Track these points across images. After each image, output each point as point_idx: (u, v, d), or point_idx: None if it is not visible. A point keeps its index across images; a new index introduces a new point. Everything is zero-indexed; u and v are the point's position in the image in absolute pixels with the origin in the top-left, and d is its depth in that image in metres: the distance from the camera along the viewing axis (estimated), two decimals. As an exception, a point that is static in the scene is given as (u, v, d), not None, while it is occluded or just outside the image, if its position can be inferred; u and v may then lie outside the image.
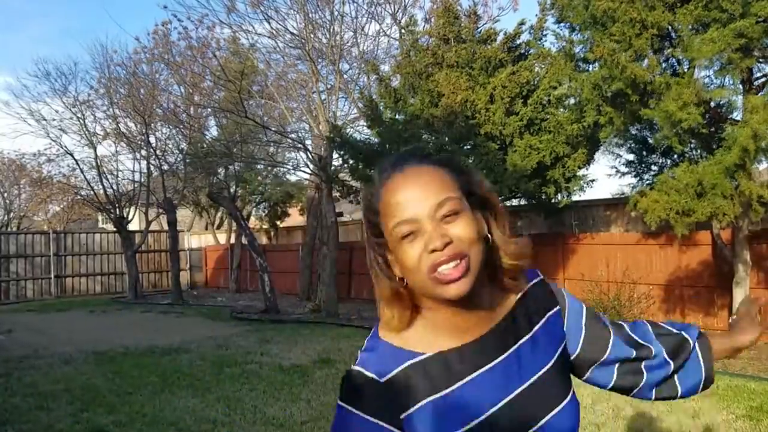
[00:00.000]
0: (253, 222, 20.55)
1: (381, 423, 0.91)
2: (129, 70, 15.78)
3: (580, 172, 9.07)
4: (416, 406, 0.92)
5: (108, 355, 7.76)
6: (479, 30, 9.83)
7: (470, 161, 8.59)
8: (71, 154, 17.45)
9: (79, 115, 16.62)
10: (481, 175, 1.00)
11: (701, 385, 1.10)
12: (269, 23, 11.98)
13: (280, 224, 19.67)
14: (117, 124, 16.76)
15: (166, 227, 17.68)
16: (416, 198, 0.89)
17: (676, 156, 7.93)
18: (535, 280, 1.05)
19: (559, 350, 1.02)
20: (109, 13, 38.71)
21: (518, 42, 9.55)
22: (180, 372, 6.63)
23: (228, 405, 5.21)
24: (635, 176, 8.97)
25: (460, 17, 9.77)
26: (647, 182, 8.61)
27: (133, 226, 18.57)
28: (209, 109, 15.98)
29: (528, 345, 0.99)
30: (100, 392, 5.79)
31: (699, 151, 7.58)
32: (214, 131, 17.32)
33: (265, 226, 20.08)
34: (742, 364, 6.37)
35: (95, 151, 16.78)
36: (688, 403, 4.94)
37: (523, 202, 10.50)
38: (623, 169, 9.16)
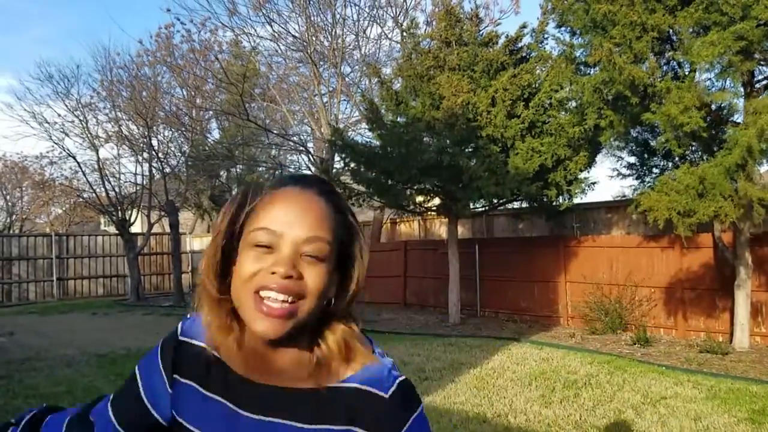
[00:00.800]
0: (254, 224, 20.54)
1: (161, 366, 0.96)
2: (131, 72, 15.84)
3: (582, 175, 9.07)
4: (187, 380, 0.93)
5: (110, 358, 7.77)
6: (481, 33, 9.85)
7: (472, 164, 8.60)
8: (74, 157, 17.50)
9: (81, 117, 16.67)
10: (365, 243, 0.92)
11: None
12: (271, 26, 12.03)
13: (282, 227, 19.66)
14: (119, 127, 16.80)
15: (168, 230, 17.70)
16: (293, 220, 0.83)
17: (677, 158, 7.94)
18: (390, 390, 0.87)
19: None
20: (111, 17, 38.86)
21: (520, 45, 9.56)
22: (181, 374, 6.63)
23: (229, 407, 5.21)
24: (637, 179, 8.97)
25: (461, 20, 9.79)
26: (648, 185, 8.62)
27: (135, 228, 18.59)
28: (211, 112, 16.04)
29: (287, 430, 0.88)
30: (102, 394, 5.79)
31: (700, 153, 7.58)
32: (216, 134, 17.39)
33: (266, 229, 20.09)
34: (744, 367, 6.36)
35: (97, 153, 16.83)
36: (689, 405, 4.94)
37: (524, 204, 10.51)
38: (624, 171, 9.17)
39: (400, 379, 0.89)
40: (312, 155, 12.71)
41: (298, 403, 0.88)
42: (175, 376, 0.95)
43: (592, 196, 9.96)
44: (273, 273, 0.81)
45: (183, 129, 15.58)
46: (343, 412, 0.86)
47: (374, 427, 0.85)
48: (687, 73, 6.55)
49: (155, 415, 0.98)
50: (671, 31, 6.67)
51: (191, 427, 0.92)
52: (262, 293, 0.81)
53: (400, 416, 0.86)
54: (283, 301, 0.81)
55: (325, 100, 12.17)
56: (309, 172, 0.86)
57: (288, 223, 0.83)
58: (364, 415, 0.86)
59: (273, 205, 0.85)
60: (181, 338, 0.97)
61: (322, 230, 0.84)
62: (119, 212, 16.80)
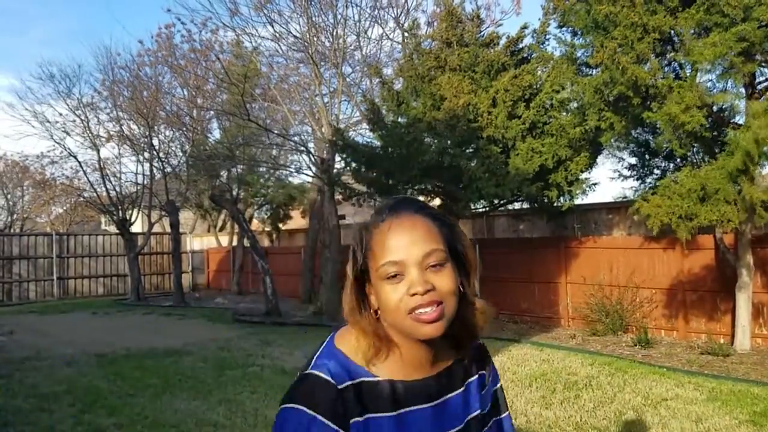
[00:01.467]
0: (255, 224, 20.57)
1: (334, 426, 0.95)
2: (132, 72, 15.84)
3: (583, 176, 9.06)
4: (363, 417, 0.98)
5: (110, 357, 7.77)
6: (482, 34, 9.84)
7: (472, 165, 8.59)
8: (75, 156, 17.52)
9: (82, 117, 16.68)
10: (464, 233, 1.07)
11: None
12: (272, 26, 12.02)
13: (282, 227, 19.67)
14: (120, 127, 16.82)
15: (168, 229, 17.70)
16: (407, 244, 0.96)
17: (678, 159, 7.93)
18: (474, 343, 1.15)
19: (486, 401, 1.14)
20: (114, 16, 38.88)
21: (521, 46, 9.55)
22: (181, 374, 6.63)
23: (229, 407, 5.21)
24: (638, 179, 8.96)
25: (462, 21, 9.78)
26: (650, 185, 8.61)
27: (135, 228, 18.60)
28: (212, 112, 16.03)
29: (459, 397, 1.09)
30: (102, 394, 5.79)
31: (701, 154, 7.57)
32: (216, 134, 17.38)
33: (267, 229, 20.09)
34: (745, 369, 6.35)
35: (98, 153, 16.85)
36: (690, 407, 4.93)
37: (525, 205, 10.49)
38: (626, 172, 9.16)
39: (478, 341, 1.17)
40: (313, 155, 12.70)
41: (451, 377, 1.09)
42: (350, 421, 0.98)
43: (593, 197, 9.95)
44: (413, 294, 0.95)
45: (184, 129, 15.57)
46: (474, 365, 1.14)
47: (489, 365, 1.17)
48: (688, 75, 6.54)
49: None
50: (672, 32, 6.66)
51: None
52: (415, 312, 0.95)
53: (489, 356, 1.19)
54: (433, 309, 0.95)
55: (326, 100, 12.16)
56: (400, 197, 0.91)
57: (405, 248, 0.97)
58: (483, 361, 1.16)
59: (386, 240, 0.98)
60: (341, 386, 0.98)
61: (434, 242, 0.98)
62: (120, 212, 16.80)
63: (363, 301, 1.02)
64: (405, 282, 0.95)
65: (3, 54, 40.20)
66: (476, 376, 1.13)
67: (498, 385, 1.20)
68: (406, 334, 0.98)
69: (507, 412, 1.20)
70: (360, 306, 1.01)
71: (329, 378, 0.98)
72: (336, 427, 0.95)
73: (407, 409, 1.01)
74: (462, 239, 1.05)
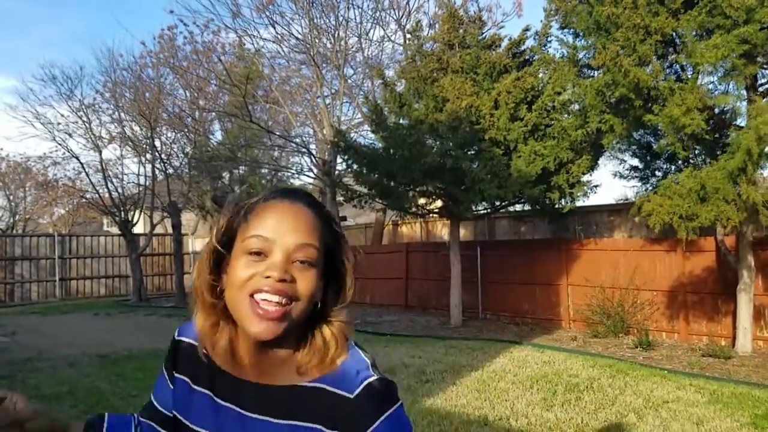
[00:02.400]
0: (257, 226, 20.56)
1: (164, 366, 1.09)
2: (135, 74, 15.89)
3: (584, 178, 9.06)
4: (181, 375, 1.04)
5: (112, 358, 7.78)
6: (484, 36, 9.85)
7: (474, 167, 8.60)
8: (77, 158, 17.54)
9: (84, 118, 16.71)
10: (350, 250, 0.99)
11: None
12: (274, 28, 12.05)
13: (284, 228, 19.68)
14: (122, 128, 16.86)
15: (170, 230, 17.72)
16: (286, 228, 0.89)
17: (680, 161, 7.92)
18: (356, 390, 0.88)
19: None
20: (116, 18, 38.98)
21: (523, 48, 9.56)
22: (183, 375, 6.64)
23: (231, 409, 5.21)
24: (639, 181, 8.96)
25: (464, 23, 9.80)
26: (652, 188, 8.60)
27: (137, 229, 18.62)
28: (214, 113, 16.06)
29: (266, 427, 0.92)
30: (104, 395, 5.80)
31: (703, 156, 7.57)
32: (218, 135, 17.42)
33: (268, 230, 20.11)
34: (747, 371, 6.35)
35: (101, 154, 16.87)
36: (691, 409, 4.92)
37: (526, 207, 10.50)
38: (627, 174, 9.16)
39: (370, 379, 0.89)
40: (314, 157, 12.72)
41: (274, 399, 0.92)
42: (174, 373, 1.06)
43: (594, 199, 9.95)
44: (267, 277, 0.86)
45: (186, 130, 15.61)
46: (314, 410, 0.89)
47: (340, 427, 0.87)
48: (690, 77, 6.54)
49: (163, 411, 1.08)
50: (675, 34, 6.67)
51: (181, 418, 1.01)
52: (257, 296, 0.86)
53: (365, 417, 0.87)
54: (278, 303, 0.86)
55: (327, 101, 12.19)
56: (297, 187, 0.92)
57: (280, 231, 0.89)
58: (332, 414, 0.88)
59: (265, 216, 0.91)
60: (177, 338, 1.09)
61: (312, 238, 0.91)
62: (122, 213, 16.83)
63: (216, 272, 0.93)
64: (264, 263, 0.87)
65: (8, 56, 40.33)
66: (301, 423, 0.90)
67: None
68: (238, 322, 0.90)
69: None
70: (210, 273, 0.93)
71: (175, 333, 1.09)
72: (165, 375, 1.08)
73: (215, 399, 0.97)
74: (345, 253, 0.97)
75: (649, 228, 7.17)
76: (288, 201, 0.93)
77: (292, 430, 0.90)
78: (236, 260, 0.90)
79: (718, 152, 6.86)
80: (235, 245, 0.92)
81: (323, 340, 0.93)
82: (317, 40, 11.76)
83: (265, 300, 0.86)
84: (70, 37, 43.94)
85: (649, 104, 6.67)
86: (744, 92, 6.78)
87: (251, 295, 0.87)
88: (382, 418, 0.87)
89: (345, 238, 0.99)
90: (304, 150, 13.41)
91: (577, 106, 8.49)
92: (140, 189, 17.53)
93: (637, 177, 9.00)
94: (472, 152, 9.15)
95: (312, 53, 11.42)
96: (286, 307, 0.87)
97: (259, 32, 18.37)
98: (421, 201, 10.76)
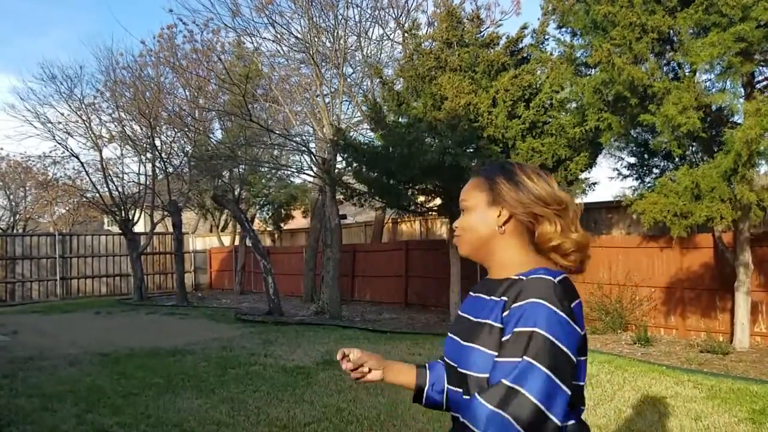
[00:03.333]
0: (257, 224, 20.63)
1: None
2: (134, 73, 15.90)
3: (582, 175, 9.09)
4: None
5: (113, 357, 7.82)
6: (482, 34, 9.87)
7: (473, 164, 8.62)
8: (77, 157, 17.58)
9: (84, 118, 16.75)
10: (520, 193, 1.27)
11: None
12: (273, 27, 12.06)
13: (284, 226, 19.74)
14: (122, 127, 16.88)
15: (171, 229, 17.76)
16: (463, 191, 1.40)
17: (677, 159, 7.95)
18: (531, 276, 1.20)
19: (479, 319, 1.27)
20: (115, 17, 38.93)
21: (520, 46, 9.58)
22: (184, 373, 6.68)
23: (232, 406, 5.25)
24: (637, 179, 8.98)
25: (463, 21, 9.81)
26: (649, 185, 8.63)
27: (138, 228, 18.66)
28: (214, 112, 16.08)
29: (484, 302, 1.29)
30: (105, 393, 5.84)
31: (700, 154, 7.60)
32: (218, 134, 17.43)
33: (269, 229, 20.15)
34: (744, 367, 6.38)
35: (101, 153, 16.91)
36: (689, 405, 4.96)
37: (525, 205, 10.49)
38: (625, 172, 9.18)
39: (540, 275, 1.19)
40: (314, 155, 12.75)
41: (494, 287, 1.29)
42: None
43: (592, 197, 9.97)
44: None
45: (186, 129, 15.63)
46: (505, 289, 1.24)
47: (513, 301, 1.19)
48: (687, 74, 6.56)
49: None
50: (671, 32, 6.68)
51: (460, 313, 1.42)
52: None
53: (522, 294, 1.17)
54: (456, 238, 1.45)
55: (327, 100, 12.20)
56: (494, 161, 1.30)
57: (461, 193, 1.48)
58: (508, 289, 1.23)
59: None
60: None
61: (469, 192, 1.42)
62: (122, 212, 16.87)
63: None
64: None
65: (5, 56, 40.30)
66: (499, 299, 1.24)
67: (512, 329, 1.14)
68: None
69: (504, 360, 1.13)
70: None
71: None
72: None
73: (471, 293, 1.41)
74: (506, 197, 1.32)
75: (641, 223, 7.20)
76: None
77: (497, 306, 1.24)
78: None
79: (714, 149, 6.89)
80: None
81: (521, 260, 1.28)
82: (316, 39, 11.77)
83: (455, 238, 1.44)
84: (70, 38, 43.92)
85: (646, 102, 6.70)
86: (741, 90, 6.80)
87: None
88: (528, 301, 1.15)
89: (506, 187, 1.30)
90: (303, 148, 13.43)
91: (574, 104, 8.51)
92: (140, 188, 17.56)
93: (634, 175, 9.02)
94: (471, 150, 9.17)
95: (311, 52, 11.44)
96: (458, 239, 1.39)
97: (258, 32, 18.39)
98: (421, 199, 10.78)
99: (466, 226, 1.34)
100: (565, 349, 1.10)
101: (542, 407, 1.05)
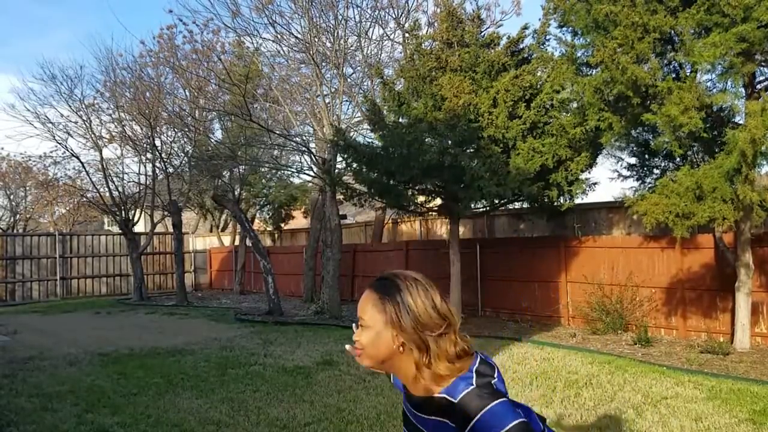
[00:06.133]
0: (257, 224, 20.64)
1: None
2: (134, 73, 15.89)
3: (583, 176, 9.07)
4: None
5: (113, 357, 7.81)
6: (482, 34, 9.86)
7: (473, 164, 8.62)
8: (77, 157, 17.57)
9: (84, 118, 16.74)
10: (408, 320, 1.30)
11: None
12: (274, 28, 12.05)
13: (284, 226, 19.73)
14: (123, 128, 16.87)
15: (171, 229, 17.76)
16: (358, 307, 1.41)
17: (678, 159, 7.94)
18: (459, 396, 1.27)
19: None
20: (116, 17, 38.94)
21: (521, 46, 9.56)
22: (184, 373, 6.67)
23: (232, 406, 5.25)
24: (637, 179, 8.98)
25: (463, 21, 9.80)
26: (649, 185, 8.62)
27: (138, 228, 18.66)
28: (214, 113, 16.08)
29: (416, 412, 1.38)
30: (105, 393, 5.84)
31: (701, 154, 7.59)
32: (219, 134, 17.43)
33: (269, 229, 20.15)
34: (745, 367, 6.38)
35: (101, 153, 16.90)
36: (690, 405, 4.95)
37: (525, 204, 10.52)
38: (625, 172, 9.18)
39: (468, 389, 1.26)
40: (314, 156, 12.74)
41: (423, 404, 1.36)
42: None
43: (593, 197, 9.96)
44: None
45: (186, 129, 15.62)
46: (440, 409, 1.30)
47: (453, 421, 1.26)
48: (688, 74, 6.56)
49: None
50: (673, 32, 6.68)
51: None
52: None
53: (465, 416, 1.23)
54: (356, 351, 1.45)
55: (327, 100, 12.19)
56: (386, 273, 1.24)
57: (358, 309, 1.46)
58: (449, 413, 1.28)
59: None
60: None
61: (365, 312, 1.41)
62: (122, 212, 16.87)
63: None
64: None
65: (12, 57, 40.31)
66: (432, 417, 1.33)
67: None
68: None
69: None
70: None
71: None
72: None
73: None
74: (400, 319, 1.35)
75: (643, 224, 7.19)
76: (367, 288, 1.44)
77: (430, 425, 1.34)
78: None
79: (716, 150, 6.88)
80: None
81: (435, 374, 1.32)
82: (316, 39, 11.77)
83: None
84: (69, 38, 43.92)
85: (647, 102, 6.69)
86: (742, 90, 6.80)
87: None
88: (477, 418, 1.22)
89: (400, 308, 1.34)
90: (303, 149, 13.43)
91: (575, 104, 8.50)
92: (141, 188, 17.56)
93: (634, 175, 9.02)
94: (471, 150, 9.16)
95: (311, 52, 11.44)
96: (360, 351, 1.39)
97: (258, 32, 18.38)
98: (421, 199, 10.78)
99: (366, 343, 1.36)
100: (524, 419, 1.22)
101: None
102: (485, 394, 1.24)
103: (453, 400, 1.26)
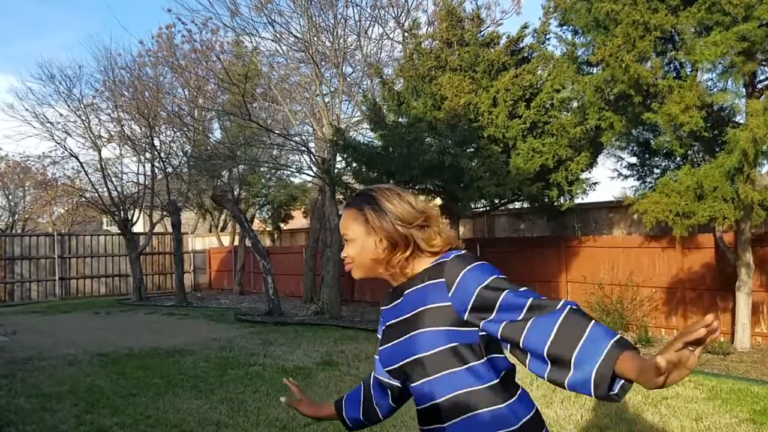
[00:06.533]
0: (256, 224, 20.60)
1: None
2: (133, 73, 15.87)
3: (583, 175, 9.06)
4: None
5: (112, 357, 7.79)
6: (482, 33, 9.84)
7: (473, 164, 8.61)
8: (76, 157, 17.54)
9: (83, 117, 16.71)
10: (386, 221, 1.43)
11: (591, 383, 1.13)
12: (273, 26, 12.03)
13: (284, 226, 19.70)
14: (121, 127, 16.84)
15: (170, 229, 17.73)
16: (341, 225, 1.51)
17: (679, 158, 7.93)
18: (447, 259, 1.40)
19: (416, 310, 1.39)
20: (115, 17, 38.91)
21: (521, 45, 9.56)
22: (184, 374, 6.66)
23: (231, 406, 5.23)
24: (638, 179, 8.97)
25: (463, 20, 9.79)
26: (650, 185, 8.61)
27: (137, 228, 18.63)
28: (213, 112, 16.05)
29: (409, 298, 1.44)
30: (104, 394, 5.82)
31: (702, 154, 7.58)
32: (218, 134, 17.40)
33: (268, 229, 20.12)
34: (745, 367, 6.37)
35: (100, 153, 16.87)
36: (690, 405, 4.94)
37: (525, 204, 10.50)
38: (625, 171, 9.17)
39: (460, 253, 1.41)
40: (313, 155, 12.73)
41: (409, 283, 1.46)
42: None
43: (593, 197, 9.95)
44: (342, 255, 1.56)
45: (185, 129, 15.61)
46: (429, 275, 1.42)
47: (448, 276, 1.37)
48: (689, 73, 6.55)
49: None
50: (674, 30, 6.67)
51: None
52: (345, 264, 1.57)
53: (457, 269, 1.36)
54: (347, 263, 1.53)
55: (326, 100, 12.18)
56: (361, 189, 1.35)
57: (341, 227, 1.56)
58: (439, 272, 1.39)
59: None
60: None
61: (347, 227, 1.50)
62: (121, 212, 16.84)
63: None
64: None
65: (11, 57, 40.27)
66: (430, 282, 1.42)
67: (474, 291, 1.32)
68: None
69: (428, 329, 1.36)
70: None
71: None
72: None
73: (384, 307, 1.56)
74: (380, 223, 1.47)
75: (643, 223, 7.18)
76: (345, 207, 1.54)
77: (416, 294, 1.43)
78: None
79: (716, 149, 6.87)
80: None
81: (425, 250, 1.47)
82: (316, 39, 11.75)
83: (346, 265, 1.52)
84: (68, 38, 43.89)
85: (648, 101, 6.68)
86: (743, 89, 6.79)
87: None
88: (466, 270, 1.35)
89: (378, 214, 1.44)
90: (303, 148, 13.41)
91: (575, 104, 8.49)
92: (139, 188, 17.53)
93: (634, 175, 9.01)
94: (471, 150, 9.15)
95: (311, 51, 11.42)
96: (351, 264, 1.50)
97: (257, 31, 18.35)
98: (420, 198, 10.75)
99: (353, 254, 1.47)
100: (505, 277, 1.36)
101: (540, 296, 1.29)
102: (474, 258, 1.39)
103: (446, 259, 1.39)
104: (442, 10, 9.80)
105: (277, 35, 12.28)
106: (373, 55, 13.24)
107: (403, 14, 12.94)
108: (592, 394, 1.13)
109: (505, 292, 1.28)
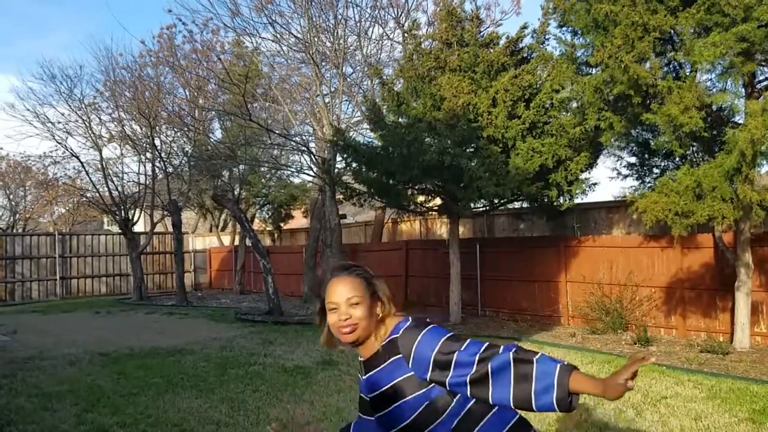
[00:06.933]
0: (257, 224, 20.63)
1: None
2: (134, 73, 15.89)
3: (582, 175, 9.07)
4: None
5: (112, 356, 7.81)
6: (482, 34, 9.85)
7: (472, 164, 8.62)
8: (77, 157, 17.56)
9: (84, 117, 16.73)
10: (382, 283, 1.74)
11: (555, 407, 1.54)
12: (273, 27, 12.05)
13: (284, 226, 19.73)
14: (122, 127, 16.87)
15: (170, 229, 17.75)
16: (341, 292, 1.69)
17: (678, 158, 7.94)
18: (399, 333, 1.68)
19: (388, 385, 1.66)
20: (115, 17, 38.92)
21: (521, 46, 9.56)
22: (184, 373, 6.67)
23: (231, 406, 5.25)
24: (637, 179, 8.98)
25: (462, 21, 9.80)
26: (649, 185, 8.62)
27: (138, 228, 18.65)
28: (214, 112, 16.07)
29: (379, 375, 1.69)
30: (105, 393, 5.84)
31: (701, 154, 7.59)
32: (218, 134, 17.43)
33: (268, 228, 20.14)
34: (745, 367, 6.38)
35: (101, 153, 16.89)
36: (690, 405, 4.95)
37: (525, 204, 10.52)
38: (625, 171, 9.18)
39: (407, 324, 1.68)
40: (314, 155, 12.75)
41: (375, 359, 1.71)
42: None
43: (592, 197, 9.97)
44: (341, 320, 1.68)
45: (185, 129, 15.63)
46: (389, 351, 1.68)
47: (404, 351, 1.64)
48: (688, 74, 6.56)
49: None
50: (673, 31, 6.68)
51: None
52: (339, 329, 1.70)
53: (409, 343, 1.63)
54: (348, 328, 1.67)
55: (326, 100, 12.19)
56: (342, 264, 1.65)
57: (340, 295, 1.69)
58: (395, 349, 1.66)
59: (332, 290, 1.71)
60: None
61: (356, 291, 1.69)
62: (122, 211, 16.86)
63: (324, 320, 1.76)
64: (337, 313, 1.69)
65: (12, 57, 40.28)
66: (392, 359, 1.68)
67: (430, 357, 1.60)
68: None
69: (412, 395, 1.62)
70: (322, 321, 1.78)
71: None
72: None
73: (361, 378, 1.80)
74: (378, 287, 1.73)
75: (643, 222, 7.20)
76: (338, 276, 1.72)
77: (385, 369, 1.68)
78: (329, 313, 1.72)
79: (715, 149, 6.88)
80: (327, 306, 1.73)
81: (385, 328, 1.74)
82: (316, 39, 11.77)
83: (342, 329, 1.69)
84: (69, 38, 43.90)
85: (648, 101, 6.69)
86: (742, 90, 6.80)
87: (337, 329, 1.70)
88: (421, 335, 1.63)
89: (375, 279, 1.75)
90: (303, 148, 13.43)
91: (575, 104, 8.50)
92: (140, 188, 17.55)
93: (633, 175, 9.02)
94: (471, 150, 9.16)
95: (311, 52, 11.44)
96: (353, 326, 1.68)
97: (258, 31, 18.36)
98: (420, 199, 10.78)
99: (362, 315, 1.67)
100: (454, 333, 1.66)
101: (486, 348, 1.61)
102: (421, 324, 1.66)
103: (397, 335, 1.66)
104: (441, 10, 9.81)
105: (278, 36, 12.30)
106: (373, 55, 13.27)
107: (403, 15, 12.96)
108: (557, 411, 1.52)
109: (456, 354, 1.56)
